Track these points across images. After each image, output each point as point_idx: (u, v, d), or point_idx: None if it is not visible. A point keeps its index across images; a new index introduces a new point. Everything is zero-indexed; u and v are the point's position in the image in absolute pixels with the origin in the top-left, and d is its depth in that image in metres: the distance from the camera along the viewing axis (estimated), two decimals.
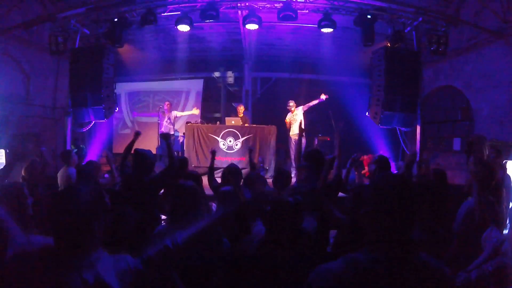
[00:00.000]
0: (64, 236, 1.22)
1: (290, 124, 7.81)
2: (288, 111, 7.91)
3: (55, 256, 1.21)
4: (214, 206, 5.45)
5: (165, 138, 3.66)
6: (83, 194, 1.27)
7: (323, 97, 7.64)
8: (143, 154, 3.43)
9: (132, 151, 3.62)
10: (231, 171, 3.46)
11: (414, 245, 1.14)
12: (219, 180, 3.83)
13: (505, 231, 2.78)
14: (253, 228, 2.34)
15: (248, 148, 3.81)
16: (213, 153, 4.17)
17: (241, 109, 8.59)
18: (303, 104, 7.80)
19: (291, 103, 7.83)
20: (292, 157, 7.77)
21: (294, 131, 7.73)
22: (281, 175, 3.54)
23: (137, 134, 3.88)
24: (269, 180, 5.03)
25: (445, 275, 1.15)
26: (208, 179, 3.75)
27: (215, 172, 4.05)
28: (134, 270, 1.30)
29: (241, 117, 8.39)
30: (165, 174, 3.40)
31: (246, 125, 8.20)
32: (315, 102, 7.73)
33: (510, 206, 2.97)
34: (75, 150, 7.48)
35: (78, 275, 1.18)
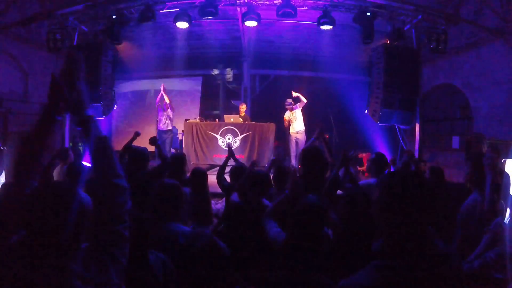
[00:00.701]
0: (45, 237, 1.18)
1: (289, 122, 7.78)
2: (287, 109, 7.87)
3: (48, 252, 1.18)
4: (213, 203, 5.46)
5: (153, 143, 3.78)
6: (69, 194, 1.21)
7: (294, 94, 7.72)
8: (136, 151, 3.50)
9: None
10: (240, 170, 3.53)
11: (430, 238, 1.12)
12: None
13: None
14: (270, 230, 2.30)
15: (252, 162, 3.81)
16: (230, 148, 4.25)
17: (243, 107, 8.55)
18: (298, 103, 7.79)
19: (289, 101, 7.81)
20: (292, 154, 7.75)
21: (295, 128, 7.69)
22: (281, 172, 3.53)
23: (137, 134, 3.95)
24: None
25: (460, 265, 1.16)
26: (218, 176, 3.75)
27: (211, 170, 4.05)
28: None
29: (242, 116, 8.35)
30: (156, 171, 3.46)
31: (246, 122, 8.18)
32: (303, 99, 7.73)
33: (508, 204, 2.98)
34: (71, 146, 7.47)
35: (71, 271, 1.17)
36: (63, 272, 1.15)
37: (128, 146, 3.81)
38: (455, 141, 7.74)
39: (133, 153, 3.50)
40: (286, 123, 7.82)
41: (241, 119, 8.20)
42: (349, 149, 3.44)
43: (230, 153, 4.17)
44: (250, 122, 8.26)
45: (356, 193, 2.42)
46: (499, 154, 4.41)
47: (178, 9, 7.08)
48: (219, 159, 7.42)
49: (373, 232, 1.81)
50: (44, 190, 1.21)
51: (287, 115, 7.81)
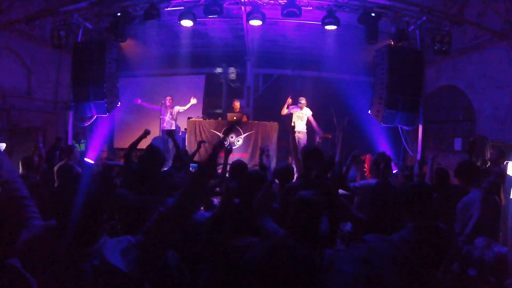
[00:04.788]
0: (75, 229, 1.23)
1: (292, 117, 7.79)
2: (296, 106, 7.85)
3: (66, 244, 1.22)
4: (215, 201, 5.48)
5: (170, 135, 3.68)
6: (95, 187, 1.31)
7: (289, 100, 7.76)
8: (158, 150, 3.35)
9: (143, 147, 3.61)
10: (237, 166, 3.52)
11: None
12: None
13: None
14: (265, 224, 2.28)
15: (261, 148, 3.77)
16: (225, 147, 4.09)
17: (237, 104, 8.53)
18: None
19: (303, 101, 7.81)
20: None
21: (297, 128, 7.67)
22: (285, 171, 3.53)
23: (146, 133, 3.87)
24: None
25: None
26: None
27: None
28: (136, 244, 1.31)
29: (237, 112, 8.34)
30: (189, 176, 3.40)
31: (249, 121, 8.19)
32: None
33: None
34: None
35: (89, 263, 1.20)
36: (91, 258, 1.20)
37: (135, 144, 3.75)
38: (458, 143, 7.73)
39: (152, 152, 3.33)
40: (284, 111, 7.81)
41: (245, 117, 8.18)
42: (354, 149, 3.47)
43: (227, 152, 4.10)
44: (252, 121, 8.26)
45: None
46: (505, 157, 4.40)
47: (182, 8, 7.09)
48: (222, 157, 7.42)
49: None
50: (64, 185, 1.31)
51: (296, 111, 7.81)
